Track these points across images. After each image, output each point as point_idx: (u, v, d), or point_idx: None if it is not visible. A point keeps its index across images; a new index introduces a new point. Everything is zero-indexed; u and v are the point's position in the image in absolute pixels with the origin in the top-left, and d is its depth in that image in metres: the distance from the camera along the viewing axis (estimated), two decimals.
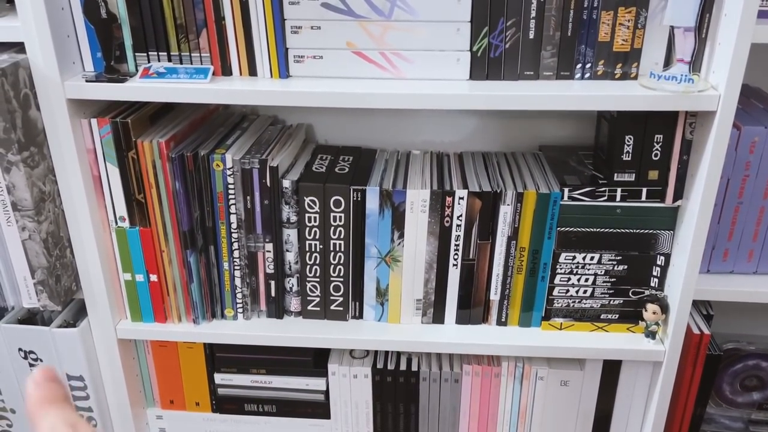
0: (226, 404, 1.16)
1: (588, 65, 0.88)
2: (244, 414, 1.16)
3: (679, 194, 0.94)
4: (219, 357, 1.12)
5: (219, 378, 1.13)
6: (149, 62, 0.90)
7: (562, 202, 0.95)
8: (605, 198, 0.95)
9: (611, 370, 1.06)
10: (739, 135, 0.90)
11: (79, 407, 1.09)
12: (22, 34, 0.85)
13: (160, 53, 0.90)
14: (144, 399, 1.17)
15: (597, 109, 1.02)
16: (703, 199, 0.88)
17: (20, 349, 1.05)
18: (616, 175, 0.94)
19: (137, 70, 0.90)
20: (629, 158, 0.93)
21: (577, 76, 0.89)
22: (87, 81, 0.88)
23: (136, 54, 0.90)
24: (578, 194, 0.95)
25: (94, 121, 0.91)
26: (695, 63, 0.85)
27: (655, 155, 0.92)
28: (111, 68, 0.90)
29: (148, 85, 0.87)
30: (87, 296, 1.02)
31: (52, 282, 0.95)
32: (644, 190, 0.94)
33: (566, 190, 0.95)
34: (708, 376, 1.05)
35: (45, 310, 1.08)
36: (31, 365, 1.06)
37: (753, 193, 0.94)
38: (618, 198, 0.95)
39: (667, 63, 0.88)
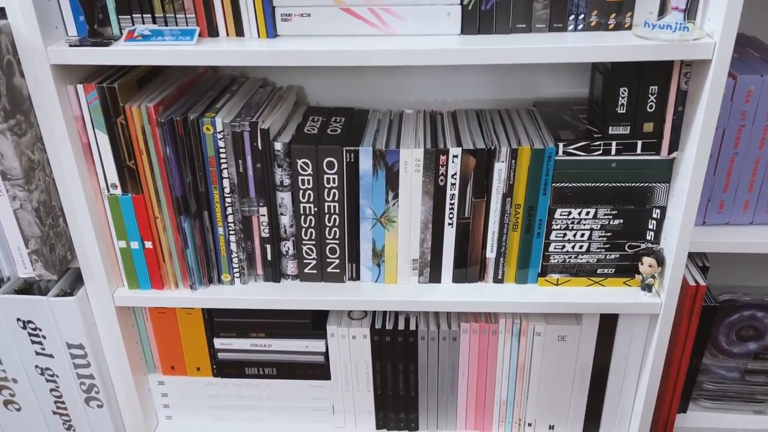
0: (226, 368, 1.17)
1: (581, 16, 0.86)
2: (245, 377, 1.17)
3: (674, 146, 0.93)
4: (218, 322, 1.13)
5: (219, 343, 1.14)
6: (133, 25, 0.88)
7: (556, 158, 0.94)
8: (600, 152, 0.94)
9: (608, 324, 1.06)
10: (735, 84, 0.89)
11: (80, 375, 1.10)
12: None
13: (144, 15, 0.88)
14: (145, 365, 1.18)
15: (591, 61, 1.01)
16: (698, 151, 0.87)
17: (18, 319, 1.05)
18: (610, 128, 0.93)
19: (121, 34, 0.88)
20: (624, 111, 0.92)
21: (570, 27, 0.87)
22: (71, 46, 0.86)
23: (120, 17, 0.88)
24: (573, 149, 0.94)
25: (80, 86, 0.90)
26: (690, 11, 0.84)
27: (650, 107, 0.91)
28: (94, 32, 0.88)
29: (134, 48, 0.85)
30: (82, 265, 1.01)
31: (46, 251, 0.94)
32: (639, 143, 0.93)
33: (561, 145, 0.94)
34: (704, 327, 1.06)
35: (41, 280, 1.08)
36: (30, 335, 1.06)
37: (749, 144, 0.93)
38: (613, 152, 0.94)
39: (662, 12, 0.86)
